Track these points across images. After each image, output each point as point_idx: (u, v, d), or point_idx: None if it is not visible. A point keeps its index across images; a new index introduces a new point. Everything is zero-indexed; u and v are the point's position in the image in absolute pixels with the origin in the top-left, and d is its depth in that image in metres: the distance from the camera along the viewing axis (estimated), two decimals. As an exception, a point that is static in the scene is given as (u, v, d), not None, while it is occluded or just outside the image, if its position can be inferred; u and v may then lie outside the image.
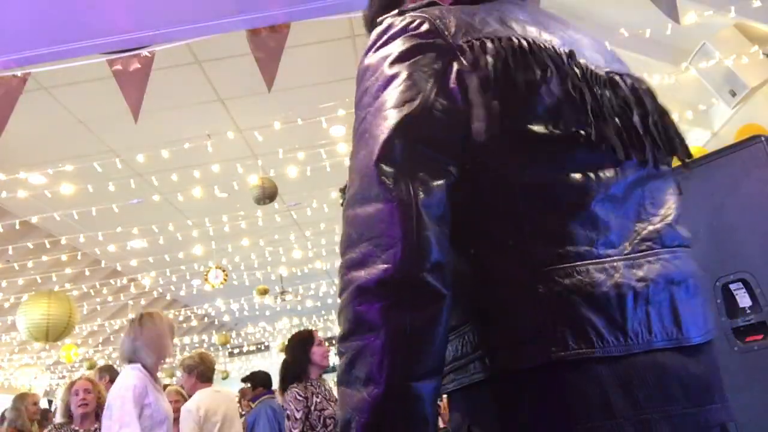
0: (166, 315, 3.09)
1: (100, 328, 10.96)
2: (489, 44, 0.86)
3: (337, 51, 4.93)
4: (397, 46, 0.87)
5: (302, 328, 4.16)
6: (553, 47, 0.89)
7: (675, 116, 4.19)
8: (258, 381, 5.28)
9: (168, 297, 10.94)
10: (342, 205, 0.84)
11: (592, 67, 0.90)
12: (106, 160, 5.61)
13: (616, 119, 0.87)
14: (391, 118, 0.81)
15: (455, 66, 0.84)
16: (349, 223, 0.81)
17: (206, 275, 7.91)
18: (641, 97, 0.92)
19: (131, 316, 3.08)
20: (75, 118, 5.34)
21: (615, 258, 0.81)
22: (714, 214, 3.02)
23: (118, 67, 2.44)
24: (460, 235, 0.82)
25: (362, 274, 0.76)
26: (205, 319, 13.03)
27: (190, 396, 3.99)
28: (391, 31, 0.89)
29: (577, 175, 0.82)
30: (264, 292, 9.64)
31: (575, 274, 0.79)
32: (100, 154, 5.70)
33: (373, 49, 0.90)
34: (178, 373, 13.53)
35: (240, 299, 10.70)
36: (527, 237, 0.80)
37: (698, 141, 4.97)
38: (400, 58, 0.85)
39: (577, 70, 0.88)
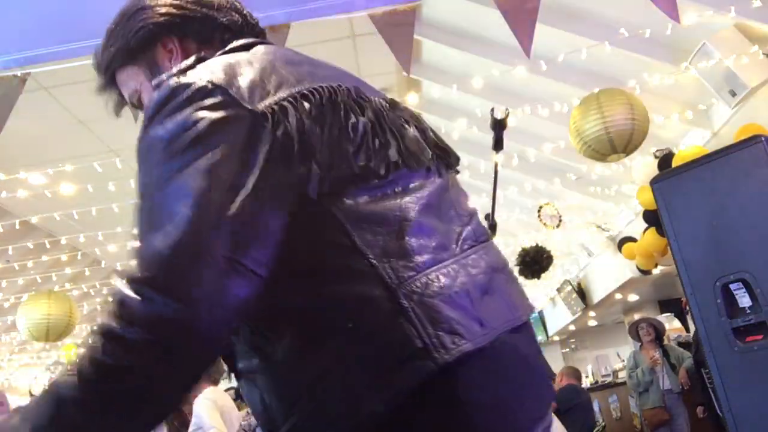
0: None
1: (100, 328, 10.96)
2: (288, 106, 0.83)
3: (337, 51, 4.93)
4: (190, 121, 0.80)
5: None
6: (337, 88, 0.90)
7: (675, 116, 4.18)
8: None
9: (168, 297, 10.94)
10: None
11: (371, 97, 0.94)
12: (106, 160, 5.60)
13: (403, 137, 0.92)
14: (194, 215, 0.75)
15: (262, 135, 0.80)
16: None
17: (206, 275, 7.91)
18: (412, 114, 0.99)
19: None
20: (75, 118, 5.34)
21: (451, 260, 0.87)
22: (714, 214, 3.02)
23: (118, 67, 2.44)
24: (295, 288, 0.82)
25: None
26: (205, 319, 13.03)
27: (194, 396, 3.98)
28: (175, 100, 0.83)
29: (394, 194, 0.87)
30: (264, 292, 9.63)
31: (429, 281, 0.83)
32: (100, 154, 5.69)
33: (158, 120, 0.84)
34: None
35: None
36: (375, 261, 0.82)
37: (698, 141, 4.97)
38: (196, 136, 0.79)
39: (365, 103, 0.91)
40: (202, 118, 0.79)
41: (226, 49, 0.96)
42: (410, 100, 5.39)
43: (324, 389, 0.80)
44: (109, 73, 1.11)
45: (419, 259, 0.83)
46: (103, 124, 5.46)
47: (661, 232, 4.10)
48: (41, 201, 6.06)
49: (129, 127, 4.19)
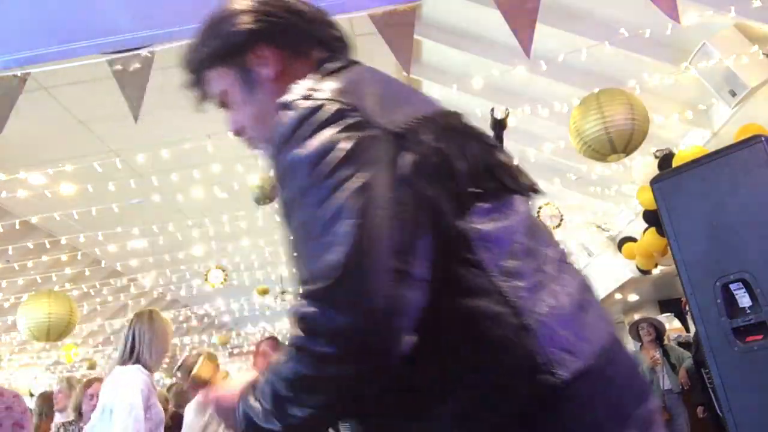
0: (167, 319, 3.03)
1: (100, 328, 10.96)
2: (419, 127, 0.89)
3: (337, 51, 4.92)
4: (336, 141, 0.84)
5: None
6: (449, 113, 0.97)
7: (675, 116, 4.18)
8: None
9: (168, 297, 10.94)
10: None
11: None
12: (106, 160, 5.60)
13: (505, 161, 0.98)
14: (360, 230, 0.78)
15: (403, 155, 0.85)
16: None
17: (206, 275, 7.91)
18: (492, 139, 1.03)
19: (131, 316, 2.97)
20: (75, 118, 5.34)
21: (551, 281, 0.90)
22: (714, 214, 3.01)
23: (118, 67, 2.44)
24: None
25: None
26: (205, 319, 13.02)
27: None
28: (314, 121, 0.86)
29: (504, 216, 0.91)
30: (264, 292, 9.64)
31: (540, 301, 0.86)
32: (100, 154, 5.69)
33: (299, 139, 0.86)
34: (179, 374, 13.54)
35: (240, 299, 10.70)
36: (495, 279, 0.86)
37: (698, 141, 4.97)
38: (346, 156, 0.83)
39: (469, 129, 0.97)
40: (345, 138, 0.83)
41: (329, 68, 0.99)
42: (410, 100, 5.38)
43: (447, 397, 0.84)
44: (198, 72, 1.13)
45: (530, 280, 0.87)
46: (103, 124, 5.46)
47: (661, 232, 4.10)
48: (41, 201, 6.06)
49: (129, 128, 4.18)
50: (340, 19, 3.31)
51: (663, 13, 2.42)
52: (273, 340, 3.91)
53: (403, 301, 0.78)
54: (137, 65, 2.44)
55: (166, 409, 4.12)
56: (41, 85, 4.73)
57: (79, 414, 3.84)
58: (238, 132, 1.13)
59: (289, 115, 0.89)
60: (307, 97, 0.90)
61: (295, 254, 0.87)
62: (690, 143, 4.98)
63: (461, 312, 0.84)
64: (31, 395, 5.79)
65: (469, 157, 0.90)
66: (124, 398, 2.53)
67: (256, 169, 6.08)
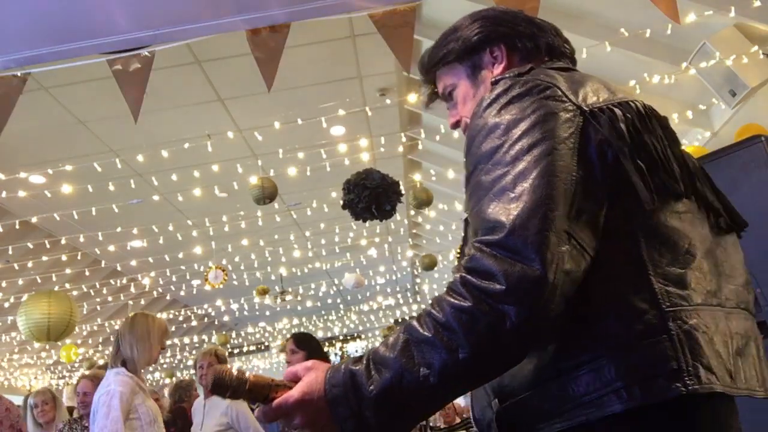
0: (159, 317, 3.02)
1: (100, 328, 10.96)
2: (617, 110, 0.93)
3: (337, 51, 4.93)
4: (529, 109, 0.91)
5: (302, 329, 4.14)
6: (644, 104, 0.98)
7: (675, 116, 4.17)
8: None
9: (168, 297, 10.94)
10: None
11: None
12: (106, 160, 5.60)
13: (687, 163, 1.00)
14: (538, 189, 0.84)
15: (591, 132, 0.90)
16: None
17: (206, 275, 7.91)
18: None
19: (139, 312, 3.03)
20: (75, 118, 5.34)
21: (717, 308, 0.91)
22: (714, 214, 3.01)
23: (118, 67, 2.44)
24: (591, 282, 0.87)
25: None
26: (205, 319, 13.02)
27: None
28: (514, 92, 0.94)
29: (682, 223, 0.93)
30: (264, 292, 9.64)
31: (696, 316, 0.87)
32: (100, 154, 5.70)
33: (497, 107, 0.94)
34: (178, 373, 13.52)
35: (240, 299, 10.70)
36: (653, 277, 0.87)
37: (698, 141, 4.97)
38: (535, 123, 0.89)
39: (656, 121, 0.98)
40: (541, 106, 0.90)
41: (548, 66, 1.07)
42: (410, 100, 5.39)
43: (575, 378, 0.85)
44: (434, 69, 1.25)
45: (694, 294, 0.88)
46: (103, 124, 5.45)
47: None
48: (41, 201, 6.06)
49: (129, 128, 4.17)
50: (340, 19, 3.31)
51: (663, 13, 2.42)
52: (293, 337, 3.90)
53: (570, 261, 0.82)
54: (137, 65, 2.44)
55: (162, 405, 4.14)
56: (41, 85, 4.73)
57: (80, 415, 3.86)
58: (455, 125, 1.21)
59: (496, 87, 0.98)
60: (513, 76, 1.00)
61: (475, 210, 0.90)
62: (690, 143, 4.98)
63: (604, 297, 0.87)
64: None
65: (658, 149, 0.93)
66: (104, 401, 2.63)
67: (256, 169, 6.09)
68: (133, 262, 8.16)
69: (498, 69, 1.15)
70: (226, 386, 0.86)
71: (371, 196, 4.82)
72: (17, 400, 4.97)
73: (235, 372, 0.87)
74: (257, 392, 0.87)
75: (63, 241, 7.10)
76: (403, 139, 6.36)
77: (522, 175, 0.85)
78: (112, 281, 8.96)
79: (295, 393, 0.86)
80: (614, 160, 0.89)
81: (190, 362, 12.34)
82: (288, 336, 3.90)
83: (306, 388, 0.86)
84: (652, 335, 0.84)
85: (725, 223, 1.03)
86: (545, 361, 0.88)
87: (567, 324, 0.85)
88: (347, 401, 0.82)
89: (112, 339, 12.28)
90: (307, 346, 3.74)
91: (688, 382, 0.81)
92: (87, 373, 4.60)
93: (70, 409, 5.06)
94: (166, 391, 7.62)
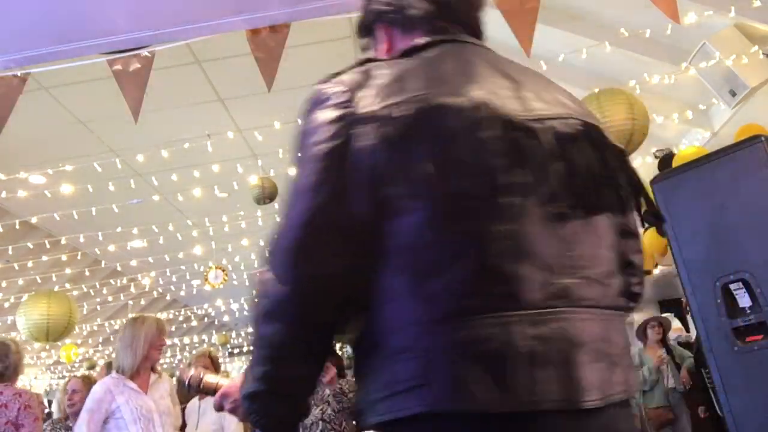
0: (155, 318, 3.12)
1: (100, 328, 10.96)
2: (395, 110, 0.85)
3: (337, 51, 4.93)
4: (315, 121, 0.90)
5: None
6: (462, 104, 0.85)
7: (675, 116, 4.16)
8: None
9: (168, 297, 10.94)
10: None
11: (510, 116, 0.86)
12: (106, 160, 5.60)
13: (525, 168, 0.84)
14: (300, 205, 0.88)
15: (356, 140, 0.85)
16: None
17: (206, 275, 7.91)
18: (567, 144, 0.89)
19: (131, 316, 3.16)
20: (75, 118, 5.34)
21: (515, 313, 0.79)
22: (714, 214, 3.01)
23: (118, 67, 2.44)
24: (364, 290, 0.87)
25: None
26: (205, 319, 13.02)
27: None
28: (315, 100, 0.94)
29: (477, 228, 0.81)
30: (264, 292, 9.62)
31: (468, 328, 0.78)
32: (100, 154, 5.69)
33: (306, 115, 0.93)
34: (178, 373, 13.53)
35: (240, 299, 10.69)
36: (426, 291, 0.81)
37: (698, 141, 4.97)
38: (311, 135, 0.89)
39: (483, 126, 0.85)
40: (311, 129, 0.91)
41: (396, 54, 1.02)
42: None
43: (364, 388, 0.90)
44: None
45: (471, 303, 0.80)
46: (103, 124, 5.45)
47: (661, 232, 4.09)
48: (41, 201, 6.06)
49: (129, 127, 4.16)
50: (340, 19, 3.32)
51: (663, 13, 2.42)
52: None
53: (315, 280, 0.86)
54: (137, 65, 2.44)
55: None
56: (41, 85, 4.73)
57: (66, 415, 3.87)
58: None
59: (311, 95, 0.98)
60: (326, 81, 0.96)
61: None
62: (690, 143, 4.98)
63: (376, 310, 0.86)
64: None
65: (448, 152, 0.83)
66: (84, 406, 2.86)
67: (256, 169, 6.09)
68: (133, 262, 8.16)
69: (381, 48, 1.10)
70: (189, 386, 1.24)
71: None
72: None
73: (194, 373, 1.24)
74: (208, 388, 1.21)
75: (63, 241, 7.10)
76: (403, 139, 6.35)
77: (289, 200, 0.90)
78: (112, 281, 8.96)
79: (225, 386, 1.12)
80: (376, 170, 0.83)
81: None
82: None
83: (233, 381, 1.10)
84: (405, 351, 0.81)
85: (577, 207, 0.87)
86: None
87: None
88: (245, 384, 0.97)
89: (112, 339, 12.31)
90: None
91: (430, 400, 0.78)
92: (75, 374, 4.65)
93: (51, 413, 5.05)
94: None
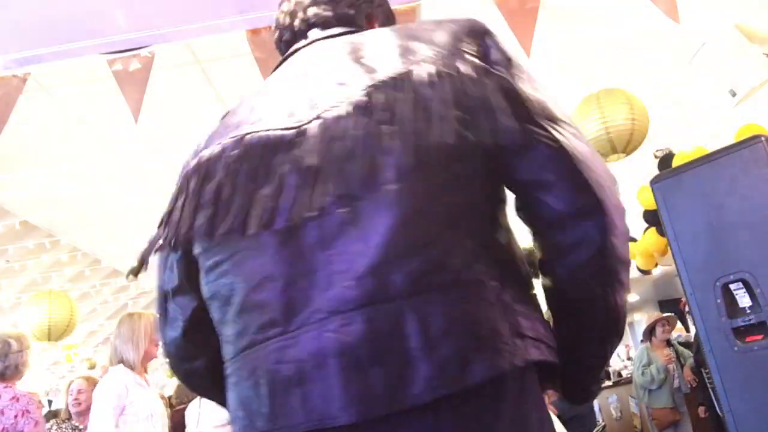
0: (146, 313, 3.12)
1: (100, 328, 10.96)
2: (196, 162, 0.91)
3: (337, 51, 4.92)
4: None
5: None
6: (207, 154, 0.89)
7: (675, 116, 4.16)
8: None
9: (168, 297, 10.93)
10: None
11: (213, 153, 0.87)
12: (106, 160, 5.60)
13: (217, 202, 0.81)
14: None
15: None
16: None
17: (206, 275, 7.90)
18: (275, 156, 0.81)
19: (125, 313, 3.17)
20: (75, 118, 5.34)
21: (272, 340, 0.78)
22: (714, 214, 3.01)
23: (118, 67, 2.44)
24: None
25: None
26: (205, 319, 13.01)
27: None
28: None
29: (216, 277, 0.87)
30: (264, 292, 9.63)
31: (232, 366, 0.84)
32: (100, 154, 5.69)
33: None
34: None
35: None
36: (222, 338, 0.89)
37: (698, 141, 4.97)
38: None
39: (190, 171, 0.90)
40: None
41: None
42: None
43: None
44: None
45: (241, 342, 0.83)
46: (103, 124, 5.45)
47: (661, 232, 4.10)
48: (41, 201, 6.06)
49: (129, 128, 4.15)
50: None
51: (663, 13, 2.42)
52: None
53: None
54: (137, 65, 2.44)
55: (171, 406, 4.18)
56: (41, 85, 4.73)
57: (69, 415, 3.87)
58: None
59: None
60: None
61: None
62: (690, 143, 4.98)
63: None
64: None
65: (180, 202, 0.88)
66: (95, 402, 2.80)
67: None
68: (133, 263, 8.14)
69: None
70: None
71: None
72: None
73: None
74: None
75: (63, 241, 7.10)
76: (403, 139, 6.35)
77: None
78: (112, 281, 8.96)
79: None
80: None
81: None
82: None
83: None
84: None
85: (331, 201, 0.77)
86: None
87: None
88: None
89: (112, 339, 12.31)
90: None
91: None
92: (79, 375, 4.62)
93: (55, 412, 5.03)
94: (165, 391, 7.61)
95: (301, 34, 1.06)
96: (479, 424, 0.73)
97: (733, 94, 4.07)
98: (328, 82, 0.85)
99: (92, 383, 3.76)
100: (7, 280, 7.66)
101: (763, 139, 2.93)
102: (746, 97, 4.07)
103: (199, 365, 0.99)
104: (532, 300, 0.85)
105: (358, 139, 0.77)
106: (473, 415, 0.73)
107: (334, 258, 0.76)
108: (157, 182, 6.16)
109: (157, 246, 0.89)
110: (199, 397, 3.95)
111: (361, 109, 0.79)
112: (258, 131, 0.83)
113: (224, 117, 1.01)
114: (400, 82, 0.80)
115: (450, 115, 0.79)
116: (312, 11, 1.06)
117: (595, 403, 7.32)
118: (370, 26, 1.06)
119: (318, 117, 0.81)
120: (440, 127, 0.78)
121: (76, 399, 3.76)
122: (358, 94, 0.80)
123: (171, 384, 10.59)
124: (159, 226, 0.90)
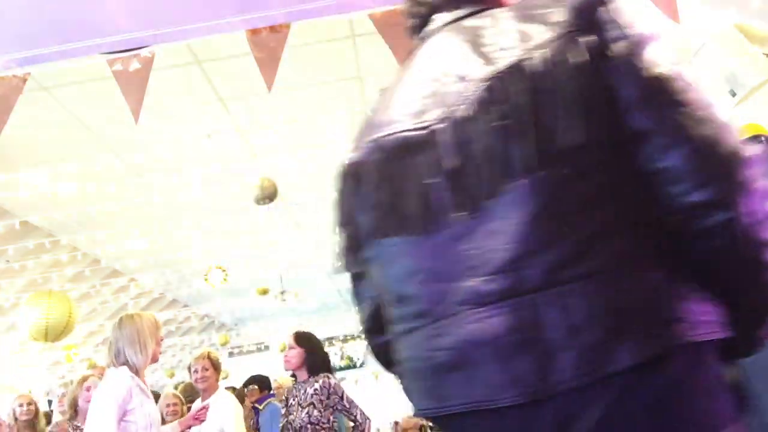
0: (150, 314, 3.03)
1: (100, 328, 10.96)
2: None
3: (337, 51, 4.92)
4: None
5: (302, 328, 4.18)
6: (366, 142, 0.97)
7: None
8: (265, 384, 5.51)
9: (168, 297, 10.93)
10: None
11: (383, 136, 0.94)
12: (106, 160, 5.60)
13: (388, 194, 0.91)
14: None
15: None
16: None
17: (206, 275, 7.91)
18: (440, 135, 0.86)
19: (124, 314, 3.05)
20: (75, 118, 5.34)
21: (421, 329, 0.87)
22: (714, 214, 3.01)
23: (118, 67, 2.44)
24: None
25: None
26: (205, 319, 13.02)
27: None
28: None
29: (382, 266, 0.95)
30: (264, 292, 9.63)
31: (397, 351, 0.94)
32: (100, 154, 5.69)
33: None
34: (178, 373, 13.50)
35: (240, 299, 10.69)
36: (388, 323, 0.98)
37: (698, 141, 4.98)
38: None
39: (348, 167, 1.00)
40: None
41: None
42: (410, 100, 5.37)
43: None
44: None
45: (394, 328, 0.94)
46: (103, 124, 5.45)
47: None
48: (41, 201, 6.06)
49: (129, 128, 4.15)
50: (340, 19, 3.32)
51: (662, 13, 2.42)
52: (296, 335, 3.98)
53: None
54: (137, 65, 2.44)
55: (175, 412, 4.18)
56: (41, 85, 4.73)
57: (75, 411, 3.84)
58: None
59: None
60: None
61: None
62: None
63: None
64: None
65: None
66: (96, 401, 2.67)
67: (256, 169, 6.08)
68: (133, 262, 8.16)
69: None
70: None
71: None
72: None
73: None
74: None
75: (63, 241, 7.10)
76: (403, 139, 6.34)
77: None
78: (112, 281, 8.96)
79: None
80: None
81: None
82: (288, 336, 3.96)
83: None
84: None
85: (464, 203, 0.83)
86: None
87: None
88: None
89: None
90: (305, 343, 3.83)
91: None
92: (89, 372, 4.60)
93: (47, 415, 4.99)
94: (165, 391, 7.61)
95: (426, 19, 1.05)
96: (626, 408, 0.75)
97: (733, 94, 4.07)
98: (451, 76, 0.89)
99: None
100: (7, 280, 7.66)
101: (763, 139, 2.93)
102: (746, 97, 4.07)
103: (380, 341, 1.05)
104: (687, 276, 0.81)
105: (487, 138, 0.82)
106: (621, 398, 0.75)
107: (472, 253, 0.82)
108: (156, 182, 6.17)
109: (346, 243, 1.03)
110: (200, 399, 3.95)
111: (485, 105, 0.83)
112: (392, 134, 0.91)
113: (371, 113, 1.03)
114: (519, 72, 0.82)
115: (570, 104, 0.79)
116: None
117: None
118: None
119: (446, 117, 0.86)
120: (562, 118, 0.79)
121: (88, 399, 3.72)
122: (480, 89, 0.84)
123: (170, 384, 10.61)
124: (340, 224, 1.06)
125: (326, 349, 4.16)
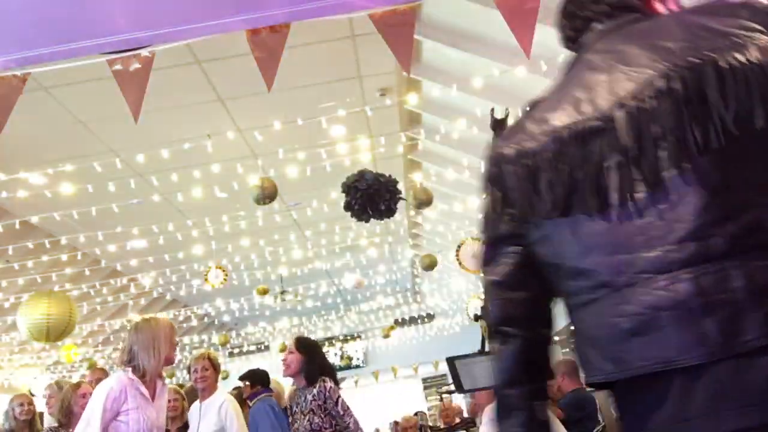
0: (165, 318, 3.04)
1: (100, 328, 10.96)
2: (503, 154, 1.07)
3: (337, 51, 4.93)
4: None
5: (302, 328, 4.20)
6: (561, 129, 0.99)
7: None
8: (257, 379, 5.23)
9: (168, 297, 10.94)
10: None
11: (576, 126, 0.97)
12: (106, 160, 5.60)
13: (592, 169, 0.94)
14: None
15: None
16: None
17: (206, 275, 7.91)
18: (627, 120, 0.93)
19: (131, 315, 3.06)
20: (75, 118, 5.34)
21: (604, 299, 0.93)
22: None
23: (118, 67, 2.44)
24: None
25: None
26: (205, 319, 13.02)
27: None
28: None
29: (546, 247, 1.01)
30: (264, 292, 9.63)
31: (574, 317, 1.04)
32: (100, 154, 5.69)
33: None
34: (178, 373, 13.49)
35: (240, 299, 10.69)
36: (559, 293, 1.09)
37: (698, 141, 4.97)
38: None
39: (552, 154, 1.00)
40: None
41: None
42: (410, 100, 5.38)
43: None
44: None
45: (572, 301, 1.01)
46: (103, 124, 5.45)
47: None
48: (41, 201, 6.06)
49: (129, 127, 4.15)
50: (340, 19, 3.32)
51: (663, 13, 2.42)
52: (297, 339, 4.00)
53: None
54: (137, 65, 2.44)
55: (175, 407, 4.19)
56: (41, 85, 4.73)
57: (67, 416, 3.83)
58: None
59: None
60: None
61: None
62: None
63: None
64: (31, 395, 5.77)
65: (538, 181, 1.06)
66: (89, 404, 2.70)
67: (256, 169, 6.08)
68: (133, 262, 8.16)
69: None
70: None
71: (364, 198, 4.87)
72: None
73: None
74: None
75: (63, 241, 7.10)
76: (403, 139, 6.36)
77: None
78: (112, 281, 8.96)
79: None
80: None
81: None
82: (289, 336, 3.96)
83: None
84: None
85: (648, 179, 0.91)
86: None
87: None
88: None
89: (112, 339, 12.29)
90: (306, 350, 3.84)
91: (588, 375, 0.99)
92: (88, 375, 4.58)
93: (41, 415, 4.96)
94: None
95: (581, 31, 1.17)
96: None
97: None
98: (623, 71, 0.96)
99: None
100: (7, 280, 7.66)
101: None
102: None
103: (515, 296, 1.08)
104: None
105: (666, 121, 0.88)
106: None
107: (652, 225, 0.89)
108: (156, 182, 6.17)
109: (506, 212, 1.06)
110: (199, 400, 3.95)
111: (662, 93, 0.89)
112: (569, 124, 0.97)
113: (529, 111, 1.11)
114: (697, 65, 0.88)
115: (753, 94, 0.85)
116: (592, 7, 1.14)
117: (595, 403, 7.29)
118: (648, 7, 1.11)
119: (622, 105, 0.92)
120: (751, 106, 0.85)
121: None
122: (657, 81, 0.91)
123: (170, 384, 10.53)
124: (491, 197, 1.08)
125: (326, 349, 4.18)
